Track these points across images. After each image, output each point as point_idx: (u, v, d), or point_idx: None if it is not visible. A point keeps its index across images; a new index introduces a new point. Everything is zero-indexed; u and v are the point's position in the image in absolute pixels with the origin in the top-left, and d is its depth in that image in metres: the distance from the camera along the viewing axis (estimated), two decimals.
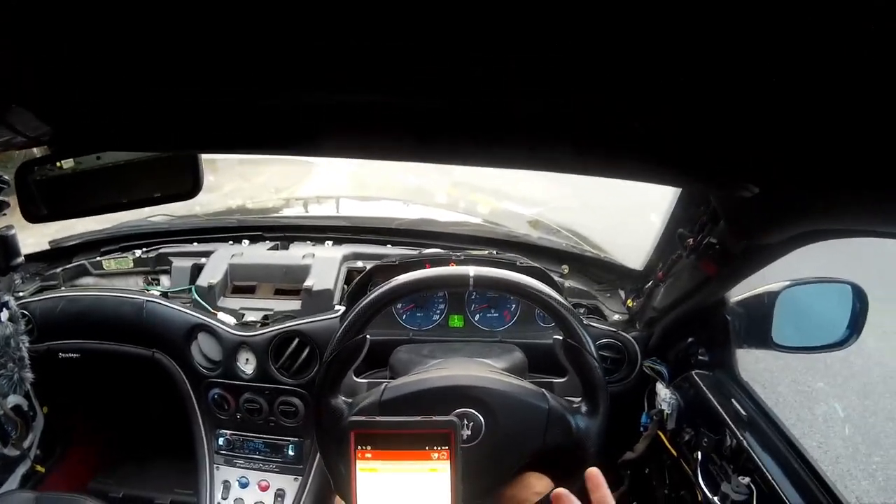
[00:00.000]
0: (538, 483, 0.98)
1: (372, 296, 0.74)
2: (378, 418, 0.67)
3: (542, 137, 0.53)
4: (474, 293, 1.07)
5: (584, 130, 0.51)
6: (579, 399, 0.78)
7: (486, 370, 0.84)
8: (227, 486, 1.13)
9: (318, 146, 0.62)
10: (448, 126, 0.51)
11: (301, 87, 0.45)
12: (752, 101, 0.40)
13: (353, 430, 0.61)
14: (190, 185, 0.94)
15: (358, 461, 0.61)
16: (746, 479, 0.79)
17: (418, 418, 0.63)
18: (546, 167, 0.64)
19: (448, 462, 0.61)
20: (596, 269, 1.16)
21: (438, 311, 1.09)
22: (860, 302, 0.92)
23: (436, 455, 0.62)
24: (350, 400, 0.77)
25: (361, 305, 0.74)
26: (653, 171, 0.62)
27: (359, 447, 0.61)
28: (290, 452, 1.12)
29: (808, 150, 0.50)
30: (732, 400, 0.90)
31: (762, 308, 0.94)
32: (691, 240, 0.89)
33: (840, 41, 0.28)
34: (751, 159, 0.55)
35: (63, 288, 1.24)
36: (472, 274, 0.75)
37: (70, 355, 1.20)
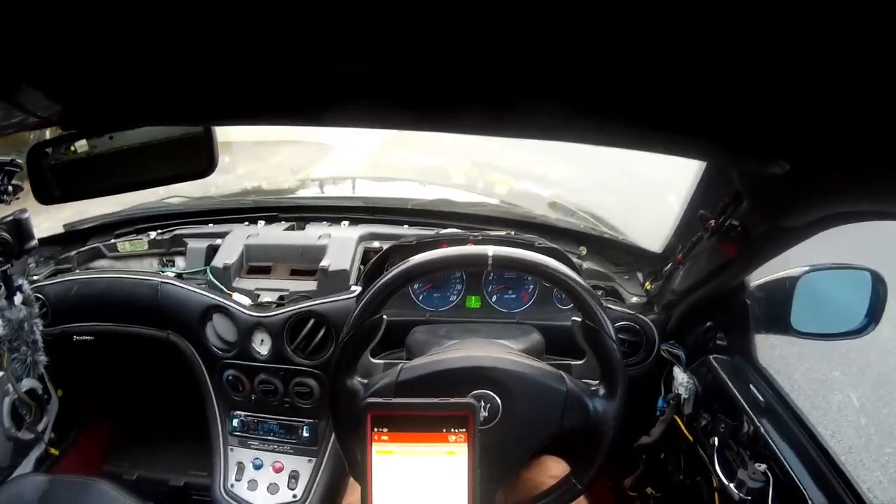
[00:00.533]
0: (555, 466, 0.98)
1: (389, 275, 0.74)
2: (395, 399, 0.66)
3: (563, 106, 0.52)
4: (492, 274, 1.06)
5: (608, 98, 0.50)
6: (597, 382, 0.77)
7: (504, 351, 0.83)
8: (241, 467, 1.13)
9: (333, 115, 0.61)
10: (465, 93, 0.50)
11: (317, 57, 0.44)
12: (786, 70, 0.39)
13: (369, 412, 0.61)
14: (205, 164, 0.93)
15: (374, 443, 0.61)
16: (763, 467, 0.78)
17: (435, 400, 0.63)
18: (568, 137, 0.62)
19: (465, 444, 0.61)
20: (614, 251, 1.15)
21: (455, 292, 1.08)
22: (880, 290, 0.90)
23: (453, 437, 0.61)
24: (366, 381, 0.77)
25: (378, 285, 0.73)
26: (680, 142, 0.61)
27: (375, 429, 0.61)
28: (305, 434, 1.12)
29: (846, 127, 0.48)
30: (750, 385, 0.89)
31: (782, 293, 0.93)
32: (713, 221, 0.87)
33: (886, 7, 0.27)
34: (784, 133, 0.54)
35: (77, 271, 1.25)
36: (490, 254, 0.74)
37: (85, 338, 1.21)
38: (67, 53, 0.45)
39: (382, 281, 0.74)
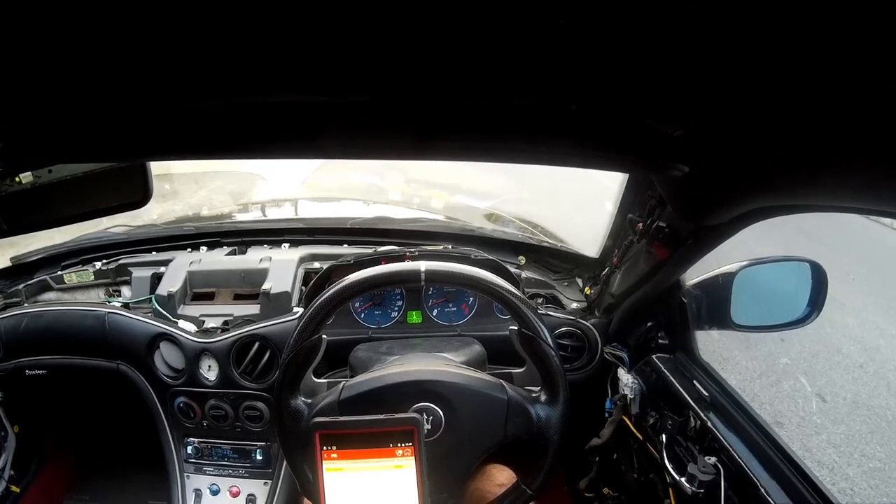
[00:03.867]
0: (500, 474, 0.99)
1: (324, 296, 0.74)
2: (341, 418, 0.67)
3: (490, 129, 0.53)
4: (431, 289, 1.07)
5: (529, 119, 0.51)
6: (538, 388, 0.78)
7: (444, 364, 0.84)
8: (198, 494, 1.13)
9: (280, 148, 0.62)
10: (400, 121, 0.51)
11: (259, 90, 0.45)
12: (676, 80, 0.40)
13: (317, 431, 0.61)
14: (140, 195, 0.94)
15: (324, 461, 0.61)
16: (713, 459, 0.80)
17: (381, 417, 0.64)
18: (495, 157, 0.64)
19: (413, 458, 0.61)
20: (552, 259, 1.17)
21: (396, 308, 1.09)
22: (819, 279, 0.92)
23: (400, 452, 0.62)
24: (310, 401, 0.77)
25: (315, 306, 0.74)
26: (591, 155, 0.62)
27: (324, 447, 0.61)
28: (258, 457, 1.12)
29: (738, 128, 0.50)
30: (694, 381, 0.91)
31: (719, 289, 0.95)
32: (641, 224, 0.89)
33: (774, 17, 0.28)
34: (678, 138, 0.55)
35: (26, 304, 1.24)
36: (423, 269, 0.75)
37: (37, 372, 1.20)
38: (4, 92, 0.46)
39: (319, 302, 0.74)
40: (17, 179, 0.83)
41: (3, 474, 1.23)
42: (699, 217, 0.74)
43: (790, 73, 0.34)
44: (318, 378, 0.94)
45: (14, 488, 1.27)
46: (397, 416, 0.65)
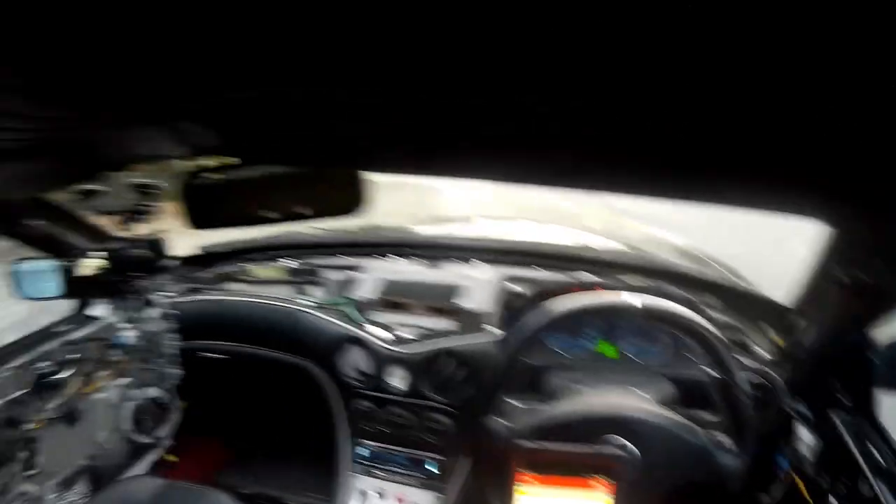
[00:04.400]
0: None
1: (537, 319, 0.77)
2: (546, 444, 0.68)
3: (684, 164, 0.53)
4: (625, 322, 1.10)
5: (739, 158, 0.50)
6: (725, 436, 0.80)
7: (641, 401, 0.86)
8: (363, 495, 1.15)
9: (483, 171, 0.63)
10: (592, 153, 0.52)
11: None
12: None
13: (517, 453, 0.64)
14: (352, 202, 0.95)
15: (518, 484, 0.64)
16: None
17: (584, 448, 0.66)
18: (694, 197, 0.61)
19: (606, 493, 0.63)
20: (742, 302, 1.17)
21: (591, 339, 1.11)
22: None
23: (596, 485, 0.64)
24: (508, 423, 0.80)
25: (527, 328, 0.77)
26: (802, 203, 0.62)
27: (521, 470, 0.64)
28: (431, 468, 1.14)
29: None
30: (870, 446, 0.91)
31: None
32: (843, 276, 0.90)
33: None
34: None
35: (213, 291, 1.31)
36: (638, 304, 0.78)
37: (216, 356, 1.26)
38: (233, 93, 0.49)
39: (530, 325, 0.78)
40: (222, 176, 0.87)
41: (161, 442, 1.28)
42: None
43: None
44: (512, 401, 0.97)
45: (171, 457, 1.31)
46: (601, 448, 0.67)
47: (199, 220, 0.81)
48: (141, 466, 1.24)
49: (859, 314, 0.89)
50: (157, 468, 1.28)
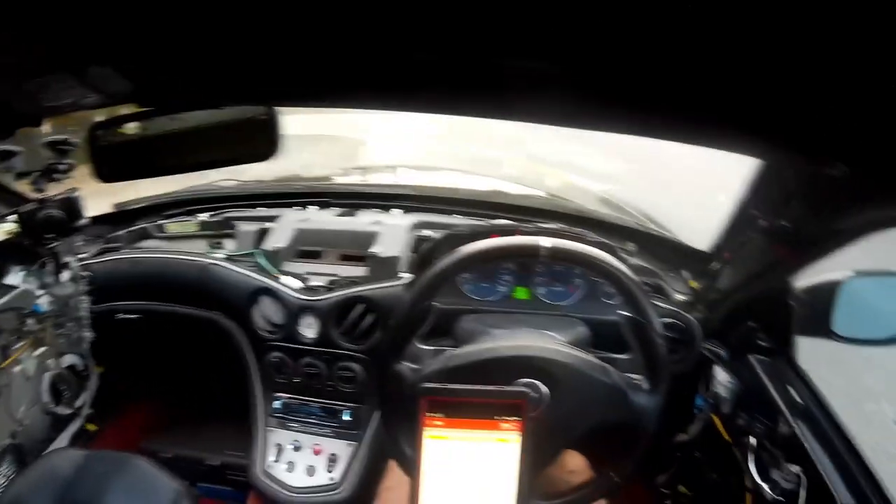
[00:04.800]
0: (571, 461, 0.99)
1: (443, 263, 0.75)
2: (451, 385, 0.66)
3: (626, 96, 0.51)
4: (541, 267, 1.08)
5: (674, 91, 0.50)
6: (640, 377, 0.78)
7: (552, 342, 0.85)
8: (279, 448, 1.14)
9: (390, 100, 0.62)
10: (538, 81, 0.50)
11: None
12: (858, 68, 0.39)
13: (425, 396, 0.62)
14: (267, 147, 0.93)
15: (427, 428, 0.62)
16: (797, 468, 0.79)
17: (491, 388, 0.64)
18: (628, 130, 0.62)
19: (517, 433, 0.62)
20: (661, 248, 1.17)
21: (504, 283, 1.10)
22: None
23: (505, 425, 0.62)
24: (415, 366, 0.78)
25: (433, 272, 0.75)
26: (740, 139, 0.61)
27: (429, 413, 0.62)
28: (346, 418, 1.14)
29: None
30: (789, 387, 0.90)
31: (825, 296, 0.93)
32: (764, 221, 0.89)
33: None
34: (849, 137, 0.54)
35: (126, 250, 1.27)
36: (545, 245, 0.75)
37: (129, 316, 1.23)
38: (143, 32, 0.47)
39: (437, 268, 0.75)
40: (130, 128, 0.84)
41: (81, 412, 1.26)
42: (832, 219, 0.74)
43: None
44: (421, 345, 0.95)
45: (90, 427, 1.30)
46: (507, 388, 0.65)
47: (108, 172, 0.76)
48: (63, 439, 1.22)
49: (779, 259, 0.87)
50: (79, 439, 1.26)
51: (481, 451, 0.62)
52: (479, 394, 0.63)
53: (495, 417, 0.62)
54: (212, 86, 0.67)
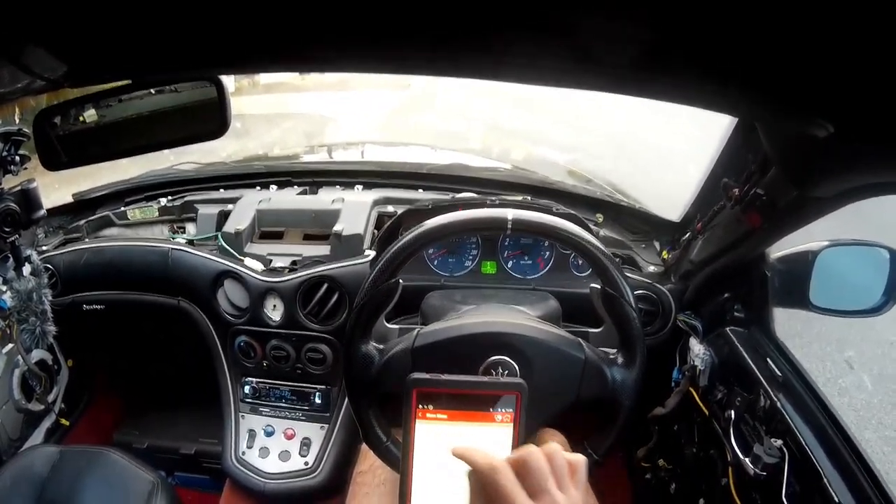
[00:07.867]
0: (552, 438, 0.97)
1: (406, 238, 0.72)
2: (442, 376, 0.63)
3: (592, 48, 0.49)
4: (508, 240, 1.05)
5: (644, 42, 0.47)
6: (615, 350, 0.76)
7: (522, 317, 0.82)
8: (252, 434, 1.13)
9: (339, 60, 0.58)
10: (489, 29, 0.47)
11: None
12: (846, 22, 0.36)
13: (414, 389, 0.59)
14: (217, 124, 0.90)
15: (418, 420, 0.59)
16: (779, 442, 0.77)
17: (484, 379, 0.62)
18: (595, 84, 0.59)
19: (511, 425, 0.59)
20: (631, 219, 1.13)
21: (471, 258, 1.07)
22: None
23: (499, 417, 0.60)
24: (381, 346, 0.75)
25: (395, 248, 0.72)
26: (718, 95, 0.58)
27: (420, 406, 0.59)
28: (317, 400, 1.12)
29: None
30: (767, 359, 0.88)
31: (801, 266, 0.91)
32: (736, 190, 0.85)
33: None
34: (834, 93, 0.51)
35: (87, 240, 1.24)
36: (510, 217, 0.72)
37: (95, 307, 1.20)
38: (69, 6, 0.43)
39: (399, 244, 0.72)
40: (81, 118, 0.80)
41: (53, 407, 1.24)
42: (807, 186, 0.70)
43: None
44: (388, 323, 0.92)
45: (63, 421, 1.28)
46: (502, 379, 0.63)
47: (55, 159, 0.73)
48: (36, 436, 1.20)
49: (753, 229, 0.84)
50: (53, 435, 1.24)
51: (472, 443, 0.59)
52: (472, 385, 0.60)
53: (491, 410, 0.60)
54: (145, 59, 0.63)
